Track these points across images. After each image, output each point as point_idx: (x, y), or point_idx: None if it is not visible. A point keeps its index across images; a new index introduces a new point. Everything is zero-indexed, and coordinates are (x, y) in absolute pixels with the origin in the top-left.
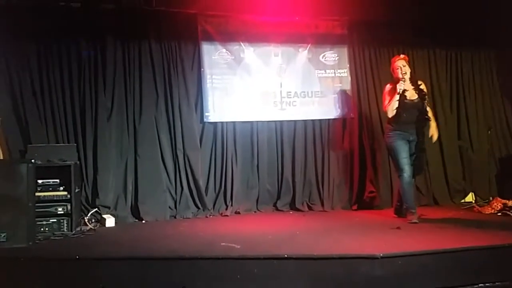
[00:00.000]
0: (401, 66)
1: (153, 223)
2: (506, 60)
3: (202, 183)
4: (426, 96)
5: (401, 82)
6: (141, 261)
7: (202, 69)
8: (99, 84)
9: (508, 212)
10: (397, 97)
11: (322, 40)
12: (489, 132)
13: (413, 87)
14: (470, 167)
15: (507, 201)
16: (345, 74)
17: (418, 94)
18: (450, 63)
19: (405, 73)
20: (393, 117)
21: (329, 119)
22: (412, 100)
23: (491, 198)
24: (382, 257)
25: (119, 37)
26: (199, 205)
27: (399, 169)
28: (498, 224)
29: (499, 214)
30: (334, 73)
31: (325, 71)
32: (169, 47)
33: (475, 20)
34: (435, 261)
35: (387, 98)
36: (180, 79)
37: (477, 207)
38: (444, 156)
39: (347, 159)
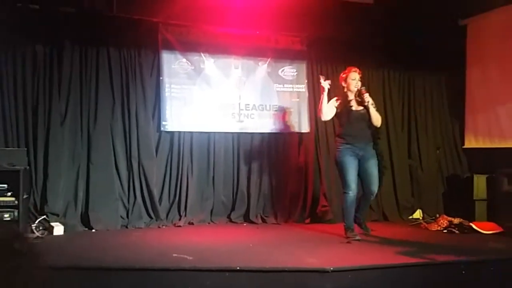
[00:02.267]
0: (357, 79)
1: (104, 232)
2: (455, 84)
3: (156, 193)
4: (369, 103)
5: (351, 94)
6: (90, 271)
7: (161, 78)
8: (53, 88)
9: (454, 230)
10: (334, 102)
11: (281, 55)
12: (437, 151)
13: (359, 99)
14: (419, 185)
15: (453, 219)
16: (303, 90)
17: (362, 104)
18: (403, 84)
19: (356, 86)
20: (342, 130)
21: (285, 133)
22: (358, 111)
23: (437, 215)
24: (332, 271)
25: (77, 41)
26: (152, 215)
27: (345, 186)
28: (443, 241)
29: (445, 231)
30: (292, 88)
31: (284, 85)
32: (128, 54)
33: (428, 45)
34: (384, 276)
35: (329, 105)
36: (138, 87)
37: (424, 223)
38: (394, 173)
39: (302, 173)
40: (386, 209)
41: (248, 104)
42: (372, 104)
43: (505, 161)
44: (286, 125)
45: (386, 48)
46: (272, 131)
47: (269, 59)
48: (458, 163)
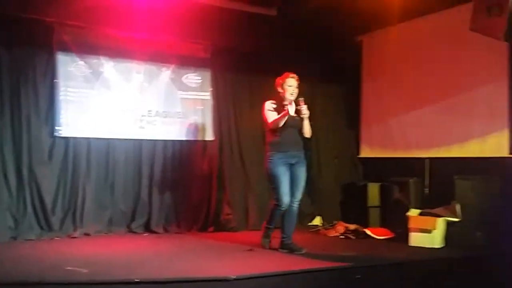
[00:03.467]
0: (294, 85)
1: None
2: (352, 96)
3: (48, 202)
4: (306, 116)
5: (287, 101)
6: None
7: (56, 80)
8: None
9: (350, 236)
10: (284, 118)
11: (185, 61)
12: (335, 160)
13: (294, 107)
14: (318, 193)
15: (349, 225)
16: (207, 97)
17: (297, 113)
18: (304, 95)
19: (292, 93)
20: (275, 137)
21: (189, 141)
22: (293, 117)
23: (335, 222)
24: (235, 279)
25: None
26: (44, 225)
27: (278, 200)
28: (340, 247)
29: (342, 237)
30: (197, 95)
31: (188, 92)
32: (20, 55)
33: (328, 58)
34: (285, 282)
35: (271, 114)
36: (30, 89)
37: (323, 230)
38: None
39: (206, 181)
40: None
41: (151, 111)
42: (308, 117)
43: (396, 170)
44: (190, 132)
45: (288, 60)
46: (176, 139)
47: (172, 65)
48: (354, 172)
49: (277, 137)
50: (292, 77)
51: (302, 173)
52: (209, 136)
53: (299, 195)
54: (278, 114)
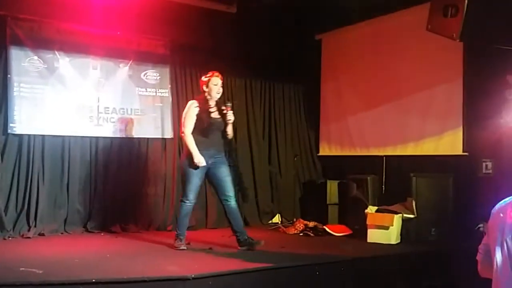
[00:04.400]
0: (219, 84)
1: None
2: (312, 95)
3: (1, 201)
4: (230, 121)
5: (212, 100)
6: None
7: (8, 76)
8: None
9: (309, 233)
10: (196, 110)
11: (144, 58)
12: (295, 158)
13: (217, 108)
14: (278, 190)
15: (308, 222)
16: (166, 94)
17: (221, 115)
18: (264, 93)
19: (219, 92)
20: (196, 135)
21: (147, 138)
22: (217, 118)
23: (294, 219)
24: (193, 278)
25: None
26: None
27: (184, 195)
28: (299, 244)
29: (301, 234)
30: (155, 92)
31: (146, 89)
32: None
33: (288, 57)
34: (244, 280)
35: (190, 123)
36: None
37: (282, 227)
38: (255, 179)
39: (165, 179)
40: (247, 214)
41: (108, 107)
42: (232, 122)
43: (354, 167)
44: (148, 130)
45: (249, 57)
46: (133, 136)
47: (130, 61)
48: (314, 170)
49: (198, 136)
50: (217, 76)
51: (223, 172)
52: (168, 133)
53: (229, 192)
54: (203, 113)
